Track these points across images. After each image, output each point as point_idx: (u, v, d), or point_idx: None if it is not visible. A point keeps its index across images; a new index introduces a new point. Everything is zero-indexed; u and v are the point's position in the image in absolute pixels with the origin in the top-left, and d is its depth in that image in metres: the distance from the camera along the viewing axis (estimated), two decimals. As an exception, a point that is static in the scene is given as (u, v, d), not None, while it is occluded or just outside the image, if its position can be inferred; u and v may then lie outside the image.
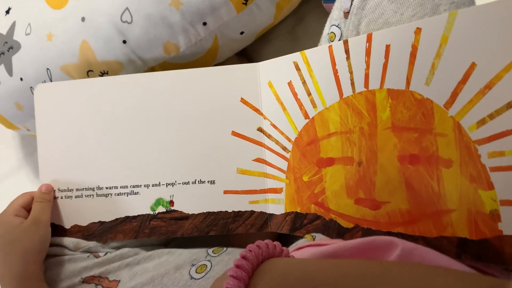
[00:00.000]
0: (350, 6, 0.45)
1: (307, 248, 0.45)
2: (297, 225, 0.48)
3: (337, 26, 0.48)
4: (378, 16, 0.43)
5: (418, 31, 0.38)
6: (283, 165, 0.49)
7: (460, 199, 0.35)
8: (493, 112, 0.33)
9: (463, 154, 0.35)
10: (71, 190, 0.53)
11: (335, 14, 0.48)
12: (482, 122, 0.34)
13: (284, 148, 0.49)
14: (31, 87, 0.61)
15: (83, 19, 0.56)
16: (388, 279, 0.26)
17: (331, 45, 0.44)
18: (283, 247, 0.35)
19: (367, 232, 0.41)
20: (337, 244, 0.40)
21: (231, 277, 0.30)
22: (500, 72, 0.33)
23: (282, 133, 0.49)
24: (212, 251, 0.52)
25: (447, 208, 0.36)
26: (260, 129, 0.51)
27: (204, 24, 0.55)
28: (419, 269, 0.27)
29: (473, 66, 0.34)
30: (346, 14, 0.46)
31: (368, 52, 0.41)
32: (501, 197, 0.33)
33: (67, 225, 0.53)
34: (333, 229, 0.44)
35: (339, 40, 0.47)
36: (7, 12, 0.64)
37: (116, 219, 0.52)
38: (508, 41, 0.33)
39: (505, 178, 0.33)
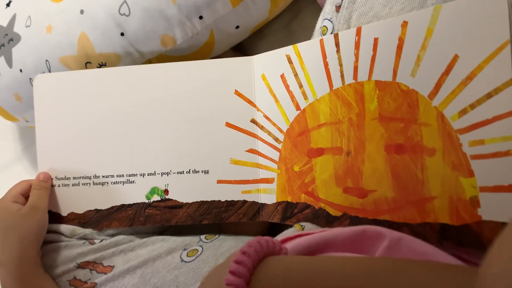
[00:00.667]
0: (342, 0, 0.47)
1: (298, 238, 0.46)
2: (287, 214, 0.49)
3: (329, 20, 0.49)
4: (368, 9, 0.44)
5: (404, 24, 0.39)
6: (275, 155, 0.51)
7: (442, 186, 0.37)
8: (474, 102, 0.35)
9: (446, 143, 0.37)
10: (68, 178, 0.54)
11: (328, 8, 0.50)
12: (463, 112, 0.36)
13: (276, 139, 0.51)
14: (30, 78, 0.63)
15: (81, 11, 0.58)
16: (395, 278, 0.26)
17: (322, 39, 0.46)
18: (282, 245, 0.35)
19: (355, 220, 0.43)
20: (328, 232, 0.41)
21: (230, 273, 0.29)
22: (481, 64, 0.34)
23: (274, 124, 0.51)
24: (205, 237, 0.53)
25: (430, 195, 0.37)
26: (253, 121, 0.53)
27: (201, 17, 0.57)
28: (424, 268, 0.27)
29: (455, 58, 0.36)
30: (338, 8, 0.47)
31: (357, 45, 0.43)
32: (481, 183, 0.35)
33: (64, 212, 0.55)
34: (322, 218, 0.46)
35: (331, 33, 0.48)
36: (8, 5, 0.66)
37: (112, 207, 0.54)
38: (489, 34, 0.34)
39: (484, 165, 0.34)
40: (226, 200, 0.53)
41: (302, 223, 0.47)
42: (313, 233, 0.44)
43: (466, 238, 0.35)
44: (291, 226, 0.48)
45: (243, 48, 0.72)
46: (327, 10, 0.50)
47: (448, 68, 0.36)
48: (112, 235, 0.54)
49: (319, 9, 0.65)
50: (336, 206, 0.45)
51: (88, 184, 0.54)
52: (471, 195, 0.35)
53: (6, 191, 0.84)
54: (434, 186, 0.37)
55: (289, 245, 0.44)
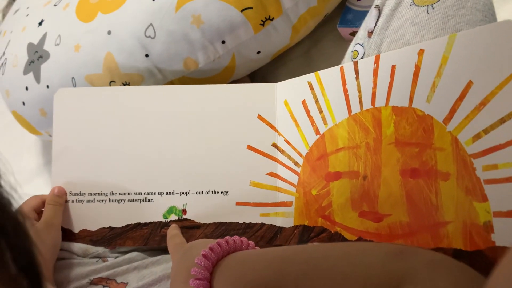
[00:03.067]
0: (374, 27, 0.49)
1: None
2: (304, 238, 0.51)
3: (361, 45, 0.52)
4: (400, 37, 0.46)
5: (421, 52, 0.41)
6: (294, 179, 0.53)
7: (456, 211, 0.38)
8: (488, 127, 0.36)
9: (460, 168, 0.38)
10: (83, 194, 0.56)
11: (361, 33, 0.52)
12: (477, 137, 0.37)
13: (296, 163, 0.53)
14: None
15: (109, 32, 0.62)
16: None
17: (342, 66, 0.49)
18: (250, 241, 0.41)
19: (370, 245, 0.44)
20: None
21: (197, 264, 0.36)
22: (495, 90, 0.36)
23: (294, 148, 0.53)
24: None
25: (444, 220, 0.38)
26: (274, 145, 0.55)
27: (223, 42, 0.60)
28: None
29: (470, 84, 0.38)
30: (370, 33, 0.50)
31: (375, 72, 0.45)
32: (494, 208, 0.36)
33: (76, 229, 0.56)
34: (338, 242, 0.47)
35: (361, 58, 0.51)
36: (40, 23, 0.71)
37: (127, 225, 0.55)
38: (502, 61, 0.36)
39: (498, 190, 0.35)
40: (244, 222, 0.54)
41: (317, 246, 0.48)
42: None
43: (480, 264, 0.36)
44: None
45: (262, 73, 0.76)
46: (360, 35, 0.52)
47: (463, 94, 0.38)
48: (125, 252, 0.56)
49: (339, 38, 0.69)
50: (351, 230, 0.46)
51: (103, 201, 0.56)
52: (484, 220, 0.36)
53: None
54: (448, 211, 0.38)
55: None
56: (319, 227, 0.49)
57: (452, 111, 0.39)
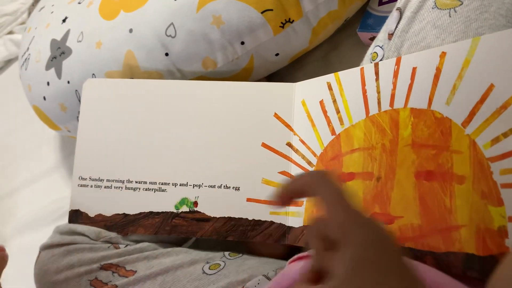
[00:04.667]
0: (395, 29, 0.49)
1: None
2: (313, 238, 0.50)
3: (380, 47, 0.52)
4: (421, 39, 0.46)
5: (443, 55, 0.41)
6: (306, 179, 0.53)
7: (470, 215, 0.37)
8: (507, 130, 0.36)
9: (476, 171, 0.37)
10: (101, 180, 0.58)
11: (381, 35, 0.52)
12: (496, 140, 0.36)
13: (309, 163, 0.53)
14: (76, 90, 0.69)
15: (130, 30, 0.63)
16: None
17: (362, 67, 0.49)
18: None
19: (379, 247, 0.43)
20: None
21: None
22: (516, 93, 0.36)
23: (309, 148, 0.53)
24: (229, 254, 0.55)
25: (457, 224, 0.38)
26: (289, 144, 0.55)
27: (242, 43, 0.61)
28: None
29: (491, 87, 0.37)
30: (390, 35, 0.50)
31: (396, 74, 0.45)
32: (510, 213, 0.35)
33: (92, 213, 0.58)
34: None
35: (381, 60, 0.51)
36: (64, 20, 0.73)
37: (140, 213, 0.57)
38: (524, 65, 0.36)
39: (514, 194, 0.35)
40: (253, 219, 0.54)
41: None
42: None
43: (491, 269, 0.35)
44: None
45: (280, 76, 0.76)
46: (380, 37, 0.52)
47: (483, 97, 0.38)
48: (137, 242, 0.57)
49: (358, 42, 0.69)
50: (361, 231, 0.45)
51: (120, 188, 0.58)
52: (499, 224, 0.35)
53: (42, 198, 0.91)
54: (462, 215, 0.38)
55: (300, 264, 0.45)
56: (329, 227, 0.49)
57: (472, 114, 0.38)
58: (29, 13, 0.99)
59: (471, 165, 0.38)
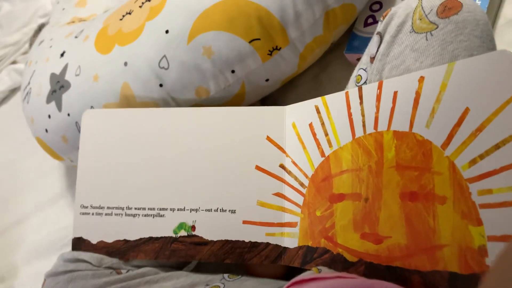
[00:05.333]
0: (376, 52, 0.51)
1: (312, 282, 0.48)
2: (307, 258, 0.51)
3: (364, 70, 0.53)
4: (400, 63, 0.48)
5: (421, 79, 0.43)
6: (300, 200, 0.54)
7: (452, 235, 0.38)
8: (483, 152, 0.37)
9: (456, 192, 0.39)
10: (102, 207, 0.60)
11: (364, 58, 0.54)
12: (473, 162, 0.38)
13: (302, 184, 0.54)
14: (76, 122, 0.71)
15: (125, 63, 0.66)
16: None
17: (347, 92, 0.50)
18: None
19: (369, 267, 0.45)
20: (339, 283, 0.43)
21: None
22: (490, 116, 0.37)
23: (300, 169, 0.55)
24: (228, 276, 0.56)
25: (440, 243, 0.39)
26: (282, 166, 0.57)
27: (233, 71, 0.63)
28: None
29: (467, 110, 0.39)
30: (372, 59, 0.52)
31: (378, 98, 0.47)
32: (489, 232, 0.36)
33: (94, 240, 0.59)
34: (339, 263, 0.48)
35: (365, 82, 0.53)
36: (62, 55, 0.76)
37: (140, 239, 0.58)
38: (497, 89, 0.37)
39: (492, 214, 0.36)
40: (250, 241, 0.56)
41: (319, 267, 0.49)
42: (327, 277, 0.46)
43: (474, 287, 0.36)
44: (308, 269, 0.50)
45: (272, 98, 0.78)
46: (363, 60, 0.54)
47: (460, 120, 0.39)
48: (138, 267, 0.58)
49: (347, 63, 0.71)
50: (352, 251, 0.47)
51: (120, 215, 0.59)
52: (479, 243, 0.36)
53: (49, 226, 0.93)
54: (445, 234, 0.39)
55: None
56: (322, 248, 0.50)
57: (450, 136, 0.40)
58: (31, 44, 1.02)
59: (451, 186, 0.39)
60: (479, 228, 0.37)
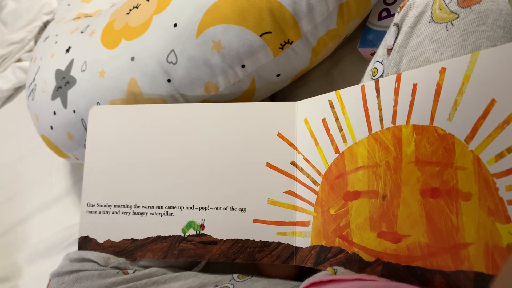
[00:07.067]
0: (393, 44, 0.49)
1: (332, 284, 0.46)
2: (321, 258, 0.50)
3: (380, 63, 0.51)
4: (419, 54, 0.46)
5: (443, 70, 0.41)
6: (312, 198, 0.52)
7: (478, 233, 0.36)
8: (511, 146, 0.35)
9: (482, 187, 0.37)
10: (109, 206, 0.58)
11: (380, 51, 0.52)
12: (500, 156, 0.36)
13: (314, 182, 0.52)
14: (82, 119, 0.69)
15: (132, 58, 0.64)
16: None
17: (363, 85, 0.48)
18: None
19: (388, 267, 0.43)
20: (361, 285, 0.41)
21: None
22: (518, 108, 0.35)
23: (313, 167, 0.53)
24: (237, 276, 0.54)
25: (465, 242, 0.37)
26: (293, 163, 0.55)
27: (243, 66, 0.61)
28: None
29: (493, 102, 0.37)
30: (389, 51, 0.50)
31: (396, 91, 0.45)
32: (518, 230, 0.34)
33: (101, 239, 0.58)
34: (355, 263, 0.46)
35: (381, 75, 0.51)
36: (67, 50, 0.74)
37: (148, 238, 0.57)
38: (525, 79, 0.35)
39: (521, 211, 0.34)
40: (260, 241, 0.54)
41: (335, 267, 0.47)
42: (347, 279, 0.44)
43: (503, 288, 0.34)
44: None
45: (282, 94, 0.76)
46: (380, 53, 0.52)
47: (485, 112, 0.37)
48: (146, 267, 0.57)
49: (359, 58, 0.69)
50: (369, 251, 0.45)
51: (127, 213, 0.58)
52: (508, 242, 0.34)
53: (55, 224, 0.91)
54: (469, 232, 0.37)
55: None
56: (336, 247, 0.48)
57: (474, 129, 0.38)
58: (36, 41, 1.00)
59: (476, 181, 0.37)
60: (508, 225, 0.35)
